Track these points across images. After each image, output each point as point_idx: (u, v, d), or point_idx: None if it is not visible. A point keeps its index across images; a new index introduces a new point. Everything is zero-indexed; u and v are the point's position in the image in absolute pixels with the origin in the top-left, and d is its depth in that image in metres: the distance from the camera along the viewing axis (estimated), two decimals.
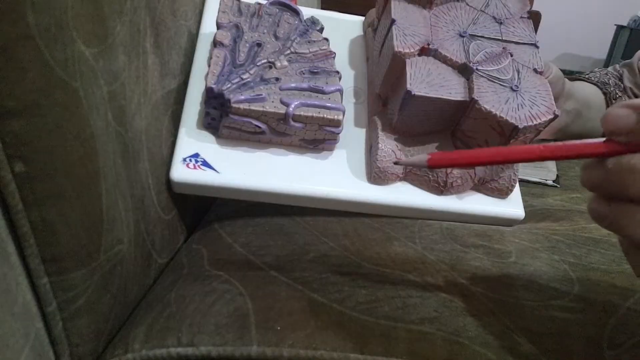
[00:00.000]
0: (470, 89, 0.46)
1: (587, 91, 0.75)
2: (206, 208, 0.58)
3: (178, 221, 0.50)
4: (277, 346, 0.35)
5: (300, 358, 0.34)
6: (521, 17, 0.53)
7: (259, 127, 0.47)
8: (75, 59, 0.30)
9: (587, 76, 0.78)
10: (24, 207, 0.29)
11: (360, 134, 0.54)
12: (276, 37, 0.52)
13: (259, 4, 0.55)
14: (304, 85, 0.49)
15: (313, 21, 0.55)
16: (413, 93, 0.45)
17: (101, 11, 0.32)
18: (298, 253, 0.44)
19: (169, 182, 0.47)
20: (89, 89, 0.31)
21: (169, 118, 0.47)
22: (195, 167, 0.47)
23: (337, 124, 0.48)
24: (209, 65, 0.49)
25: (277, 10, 0.55)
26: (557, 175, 0.67)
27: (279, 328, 0.36)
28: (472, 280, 0.42)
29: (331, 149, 0.52)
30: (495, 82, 0.47)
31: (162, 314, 0.38)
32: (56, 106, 0.29)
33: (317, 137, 0.50)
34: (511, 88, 0.47)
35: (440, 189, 0.51)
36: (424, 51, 0.48)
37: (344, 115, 0.48)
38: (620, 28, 3.29)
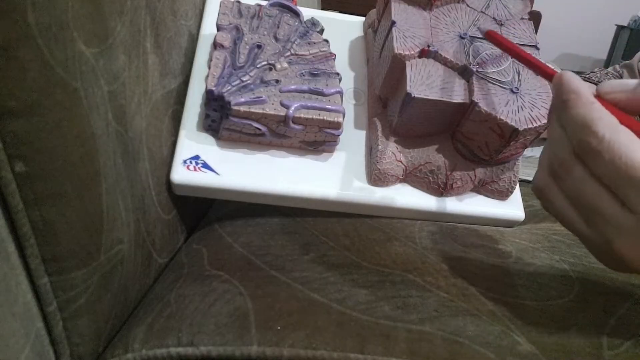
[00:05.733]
0: (470, 91, 0.46)
1: None
2: (206, 208, 0.58)
3: (178, 221, 0.50)
4: (277, 346, 0.35)
5: (300, 358, 0.34)
6: (522, 18, 0.53)
7: (259, 129, 0.48)
8: (76, 59, 0.30)
9: (587, 76, 0.79)
10: (24, 207, 0.29)
11: (361, 135, 0.54)
12: (276, 39, 0.52)
13: (259, 5, 0.55)
14: (304, 87, 0.49)
15: (313, 22, 0.55)
16: (413, 95, 0.45)
17: (101, 11, 0.32)
18: (298, 253, 0.44)
19: (169, 182, 0.47)
20: (90, 88, 0.31)
21: (169, 118, 0.47)
22: (195, 169, 0.47)
23: (337, 126, 0.48)
24: (209, 67, 0.49)
25: (277, 11, 0.55)
26: None
27: (279, 328, 0.36)
28: (472, 280, 0.42)
29: (331, 151, 0.52)
30: (495, 84, 0.47)
31: (162, 313, 0.38)
32: (56, 106, 0.29)
33: (317, 139, 0.50)
34: (511, 90, 0.47)
35: (440, 190, 0.51)
36: (424, 53, 0.48)
37: (344, 118, 0.49)
38: (620, 28, 3.29)
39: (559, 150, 0.32)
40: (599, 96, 0.32)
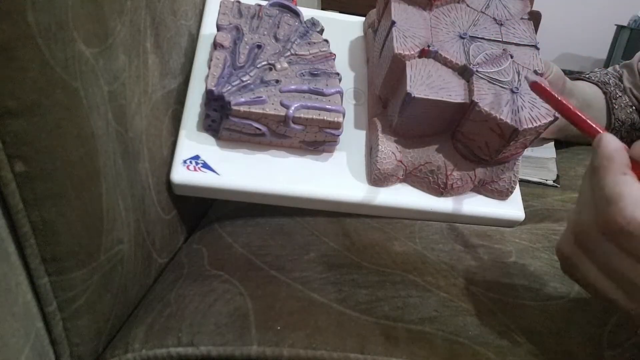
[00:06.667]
0: (470, 91, 0.46)
1: (587, 91, 0.75)
2: (206, 208, 0.58)
3: (178, 221, 0.50)
4: (277, 346, 0.35)
5: (300, 358, 0.34)
6: (522, 18, 0.53)
7: (259, 129, 0.48)
8: (76, 59, 0.30)
9: (587, 76, 0.78)
10: (24, 207, 0.29)
11: (361, 135, 0.54)
12: (276, 39, 0.52)
13: (259, 5, 0.55)
14: (304, 87, 0.49)
15: (313, 22, 0.55)
16: (413, 95, 0.45)
17: (101, 11, 0.32)
18: (298, 253, 0.44)
19: (169, 182, 0.47)
20: (89, 88, 0.31)
21: (169, 118, 0.47)
22: (195, 169, 0.47)
23: (337, 126, 0.48)
24: (209, 67, 0.49)
25: (278, 11, 0.55)
26: (557, 175, 0.67)
27: (279, 328, 0.36)
28: (472, 280, 0.42)
29: (331, 151, 0.52)
30: (495, 84, 0.47)
31: (162, 313, 0.38)
32: (56, 106, 0.29)
33: (317, 139, 0.50)
34: (511, 90, 0.47)
35: (440, 190, 0.51)
36: (424, 53, 0.48)
37: (344, 118, 0.49)
38: (620, 28, 3.29)
39: (585, 220, 0.30)
40: (634, 160, 0.30)
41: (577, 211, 0.32)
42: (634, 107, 0.75)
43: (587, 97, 0.74)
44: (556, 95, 0.38)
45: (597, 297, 0.31)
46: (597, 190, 0.29)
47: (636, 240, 0.27)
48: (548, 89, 0.39)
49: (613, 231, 0.28)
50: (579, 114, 0.34)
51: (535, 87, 0.40)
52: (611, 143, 0.30)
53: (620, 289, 0.30)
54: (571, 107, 0.36)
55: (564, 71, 0.68)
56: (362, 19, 0.64)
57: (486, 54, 0.49)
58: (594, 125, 0.33)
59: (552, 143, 0.75)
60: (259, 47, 0.51)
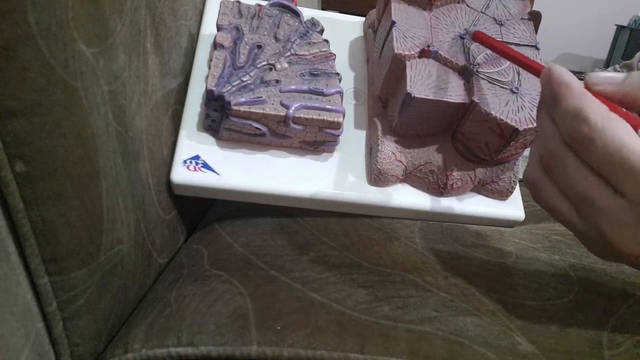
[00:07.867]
0: (470, 91, 0.46)
1: None
2: (206, 208, 0.58)
3: (178, 221, 0.50)
4: (277, 346, 0.35)
5: (300, 358, 0.34)
6: (522, 19, 0.53)
7: (259, 129, 0.48)
8: (76, 59, 0.30)
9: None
10: (24, 207, 0.29)
11: (361, 135, 0.54)
12: (276, 39, 0.52)
13: (259, 5, 0.55)
14: (304, 87, 0.49)
15: (313, 22, 0.55)
16: (413, 95, 0.45)
17: (102, 11, 0.32)
18: (298, 253, 0.44)
19: (169, 182, 0.47)
20: (90, 88, 0.31)
21: (170, 118, 0.47)
22: (195, 169, 0.47)
23: (337, 126, 0.48)
24: (209, 67, 0.49)
25: (278, 11, 0.55)
26: None
27: (279, 328, 0.36)
28: (472, 280, 0.42)
29: (331, 151, 0.52)
30: (495, 84, 0.47)
31: (162, 313, 0.38)
32: (57, 106, 0.29)
33: (317, 139, 0.50)
34: (511, 90, 0.47)
35: (441, 190, 0.51)
36: (424, 53, 0.48)
37: (344, 118, 0.49)
38: (620, 28, 3.29)
39: (549, 143, 0.32)
40: (587, 87, 0.32)
41: (537, 142, 0.34)
42: None
43: None
44: (499, 41, 0.42)
45: (558, 220, 0.33)
46: (560, 112, 0.31)
47: (597, 147, 0.28)
48: (490, 37, 0.44)
49: (578, 141, 0.30)
50: (521, 54, 0.39)
51: (477, 35, 0.45)
52: (564, 71, 0.32)
53: (575, 208, 0.31)
54: (515, 50, 0.40)
55: None
56: (362, 19, 0.64)
57: (486, 54, 0.49)
58: (541, 64, 0.36)
59: None
60: (259, 47, 0.51)
